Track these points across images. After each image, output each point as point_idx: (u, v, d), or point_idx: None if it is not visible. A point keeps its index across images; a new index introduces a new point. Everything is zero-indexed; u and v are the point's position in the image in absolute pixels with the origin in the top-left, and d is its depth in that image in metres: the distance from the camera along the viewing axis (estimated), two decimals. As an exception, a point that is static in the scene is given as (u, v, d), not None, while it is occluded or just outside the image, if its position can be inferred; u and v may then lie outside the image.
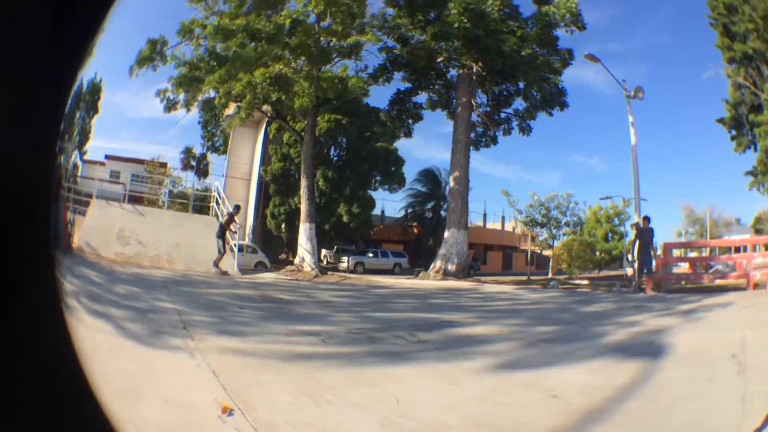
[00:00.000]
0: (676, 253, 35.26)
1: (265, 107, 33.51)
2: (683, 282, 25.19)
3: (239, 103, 31.36)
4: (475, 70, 33.01)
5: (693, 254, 39.57)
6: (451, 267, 31.17)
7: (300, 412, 4.97)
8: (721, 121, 39.78)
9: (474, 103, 35.25)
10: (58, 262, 2.55)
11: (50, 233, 2.15)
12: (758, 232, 56.33)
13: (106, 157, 47.16)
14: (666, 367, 7.21)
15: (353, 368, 6.82)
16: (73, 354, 2.13)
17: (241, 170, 43.31)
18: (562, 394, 5.78)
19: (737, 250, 28.51)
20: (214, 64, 28.54)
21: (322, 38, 30.51)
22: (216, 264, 21.70)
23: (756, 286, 19.16)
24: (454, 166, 34.00)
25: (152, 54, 28.87)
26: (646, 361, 7.44)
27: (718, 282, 23.82)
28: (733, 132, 39.27)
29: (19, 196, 1.87)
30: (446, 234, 32.93)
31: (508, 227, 63.65)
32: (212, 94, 31.32)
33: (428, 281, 28.37)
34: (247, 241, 35.35)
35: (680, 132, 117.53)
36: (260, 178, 42.40)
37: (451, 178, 34.41)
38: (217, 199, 28.56)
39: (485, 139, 38.53)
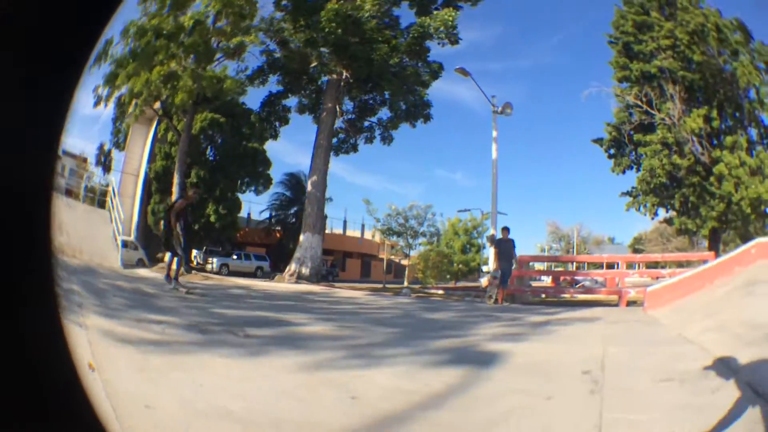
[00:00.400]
0: (538, 267, 35.63)
1: (156, 105, 33.82)
2: (543, 295, 25.60)
3: (137, 100, 31.84)
4: (344, 77, 33.65)
5: (560, 269, 39.85)
6: (305, 271, 31.08)
7: (133, 383, 5.44)
8: (598, 141, 40.49)
9: (339, 110, 35.76)
10: (59, 262, 2.14)
11: (50, 233, 2.02)
12: (637, 251, 57.29)
13: (63, 152, 46.45)
14: (495, 377, 6.61)
15: (178, 355, 7.19)
16: (71, 356, 2.07)
17: (134, 167, 42.91)
18: (364, 396, 5.53)
19: (610, 266, 28.42)
20: (131, 61, 29.38)
21: (213, 38, 31.61)
22: (170, 276, 16.36)
23: (632, 303, 19.11)
24: (313, 171, 34.23)
25: (103, 53, 28.47)
26: (474, 369, 6.96)
27: (584, 297, 24.44)
28: (612, 152, 39.98)
29: (19, 196, 1.84)
30: (302, 238, 32.92)
31: (368, 236, 63.88)
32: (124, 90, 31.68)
33: (282, 284, 28.07)
34: (131, 238, 34.73)
35: (553, 151, 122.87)
36: (146, 175, 42.00)
37: (309, 183, 34.94)
38: (111, 195, 28.92)
39: (346, 146, 39.44)
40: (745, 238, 25.65)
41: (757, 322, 8.62)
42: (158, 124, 39.99)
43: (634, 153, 38.41)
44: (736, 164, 32.38)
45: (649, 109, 35.88)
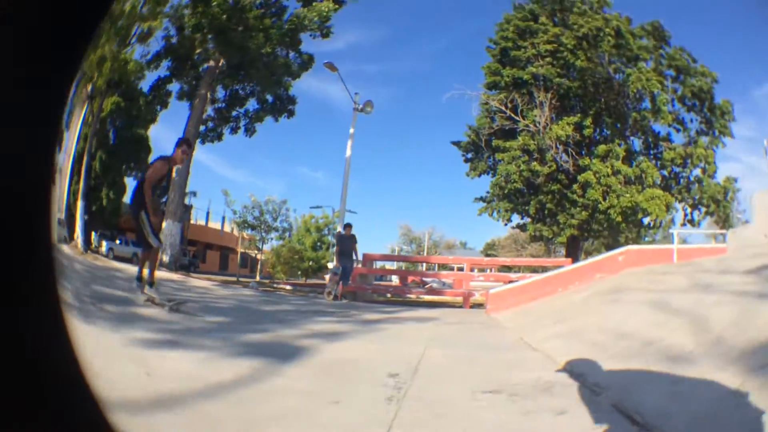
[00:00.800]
0: (388, 266, 35.93)
1: (89, 87, 33.36)
2: (389, 295, 25.33)
3: (78, 82, 31.08)
4: (220, 64, 34.11)
5: (410, 269, 40.04)
6: (165, 258, 31.23)
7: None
8: (457, 143, 40.72)
9: (210, 97, 35.81)
10: (59, 261, 2.03)
11: (50, 233, 1.97)
12: (489, 257, 58.08)
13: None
14: (289, 374, 5.97)
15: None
16: (72, 354, 1.98)
17: (71, 147, 42.89)
18: (158, 374, 5.45)
19: (461, 269, 28.48)
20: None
21: (136, 23, 31.60)
22: (142, 277, 11.42)
23: (478, 306, 18.87)
24: (179, 158, 32.99)
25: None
26: (272, 363, 6.33)
27: (430, 298, 24.21)
28: (470, 156, 40.28)
29: (19, 196, 1.79)
30: (163, 225, 32.42)
31: (229, 228, 63.09)
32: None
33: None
34: (62, 215, 33.70)
35: (413, 154, 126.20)
36: (74, 156, 41.38)
37: (174, 169, 33.45)
38: (56, 173, 28.38)
39: (212, 135, 39.03)
40: (612, 247, 25.70)
41: (624, 331, 7.80)
42: (88, 106, 38.15)
43: (492, 158, 38.65)
44: (607, 173, 33.04)
45: (513, 115, 36.25)
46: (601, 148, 34.38)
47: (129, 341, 6.78)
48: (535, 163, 35.34)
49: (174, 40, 34.30)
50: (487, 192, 38.54)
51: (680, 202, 36.62)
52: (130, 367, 5.51)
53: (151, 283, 11.20)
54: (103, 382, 4.43)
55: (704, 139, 36.31)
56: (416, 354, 7.21)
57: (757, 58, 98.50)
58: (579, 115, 35.53)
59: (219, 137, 38.30)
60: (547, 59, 35.70)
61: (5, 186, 1.72)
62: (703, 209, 36.60)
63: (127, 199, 46.28)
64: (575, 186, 34.36)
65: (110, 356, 5.66)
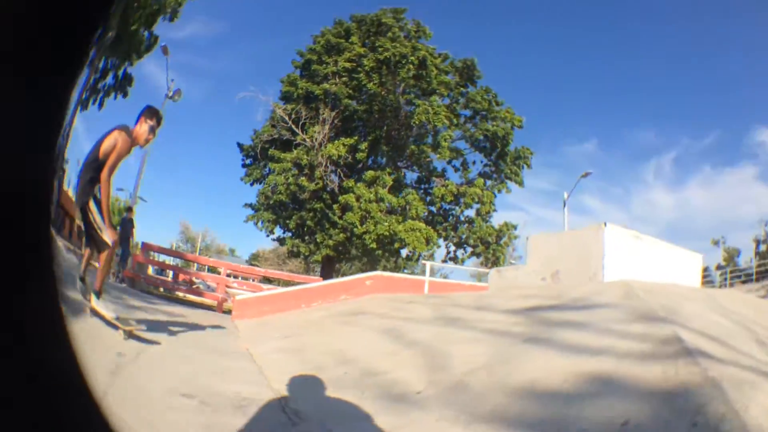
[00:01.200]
0: (168, 261, 35.99)
1: None
2: (160, 288, 25.52)
3: None
4: (113, 36, 31.90)
5: (184, 266, 40.21)
6: None
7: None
8: (241, 146, 41.16)
9: (96, 67, 33.55)
10: (58, 260, 1.87)
11: (50, 232, 1.85)
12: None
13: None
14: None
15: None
16: (72, 354, 1.80)
17: None
18: None
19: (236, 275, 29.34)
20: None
21: None
22: (84, 279, 8.29)
23: (229, 311, 19.10)
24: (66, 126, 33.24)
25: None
26: None
27: (194, 298, 24.54)
28: (250, 161, 40.69)
29: (19, 196, 1.75)
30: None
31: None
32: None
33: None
34: None
35: (206, 152, 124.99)
36: None
37: (60, 137, 34.15)
38: None
39: (83, 104, 37.04)
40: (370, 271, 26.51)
41: (349, 356, 7.73)
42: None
43: (268, 167, 39.03)
44: (370, 198, 33.81)
45: (294, 127, 36.81)
46: (369, 174, 35.29)
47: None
48: (303, 178, 36.11)
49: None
50: (257, 199, 39.10)
51: (445, 239, 37.80)
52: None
53: (98, 292, 8.19)
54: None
55: (487, 182, 37.80)
56: (128, 348, 6.96)
57: (582, 117, 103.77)
58: (356, 137, 36.53)
59: (86, 106, 37.33)
60: (344, 78, 36.44)
61: (5, 186, 1.72)
62: (470, 249, 37.84)
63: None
64: (336, 207, 35.22)
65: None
